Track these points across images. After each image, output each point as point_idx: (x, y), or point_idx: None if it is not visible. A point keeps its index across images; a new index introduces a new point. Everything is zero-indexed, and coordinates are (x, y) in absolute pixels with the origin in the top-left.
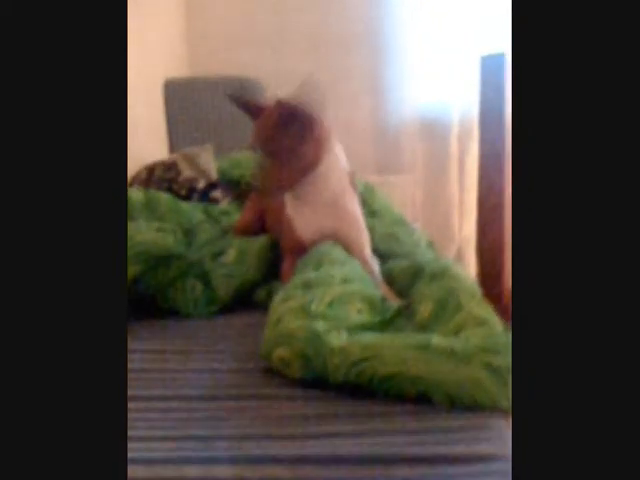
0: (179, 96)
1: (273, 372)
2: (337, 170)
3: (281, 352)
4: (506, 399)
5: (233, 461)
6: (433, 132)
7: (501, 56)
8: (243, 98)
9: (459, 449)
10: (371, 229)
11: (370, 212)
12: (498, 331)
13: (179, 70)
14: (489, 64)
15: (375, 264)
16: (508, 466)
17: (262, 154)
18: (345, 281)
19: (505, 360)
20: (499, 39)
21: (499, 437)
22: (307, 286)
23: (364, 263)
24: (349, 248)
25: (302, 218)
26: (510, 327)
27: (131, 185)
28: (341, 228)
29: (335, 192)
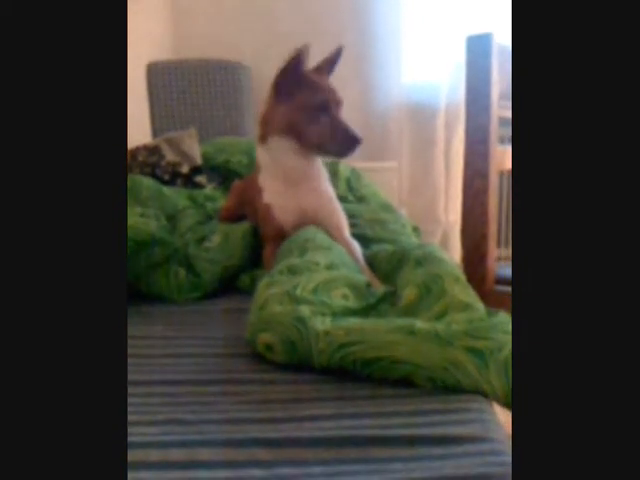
0: (162, 79)
1: (257, 357)
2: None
3: (265, 337)
4: (488, 382)
5: (217, 444)
6: (420, 116)
7: (487, 36)
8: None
9: (441, 431)
10: (357, 214)
11: (357, 198)
12: (481, 315)
13: (163, 53)
14: (475, 44)
15: (357, 247)
16: (489, 447)
17: (336, 108)
18: (330, 267)
19: (487, 344)
20: (486, 19)
21: (480, 419)
22: (292, 271)
23: (345, 245)
24: (328, 231)
25: (282, 204)
26: (493, 311)
27: None
28: (321, 211)
29: (314, 172)
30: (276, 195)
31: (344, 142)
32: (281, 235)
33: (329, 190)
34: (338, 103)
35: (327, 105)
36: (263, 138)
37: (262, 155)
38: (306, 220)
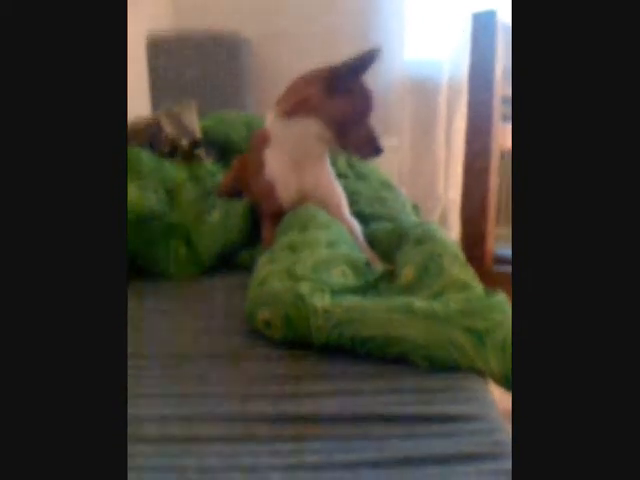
0: (163, 52)
1: (256, 333)
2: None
3: (264, 313)
4: (484, 361)
5: (216, 419)
6: (421, 92)
7: (492, 13)
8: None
9: (438, 409)
10: (357, 192)
11: (357, 175)
12: (479, 295)
13: (163, 25)
14: (480, 21)
15: (357, 226)
16: (484, 426)
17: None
18: (330, 244)
19: (484, 323)
20: None
21: (476, 398)
22: (292, 248)
23: (345, 223)
24: (328, 210)
25: (284, 181)
26: (491, 291)
27: None
28: (320, 190)
29: (316, 152)
30: (279, 172)
31: (371, 150)
32: (280, 213)
33: (329, 169)
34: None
35: (369, 114)
36: (289, 114)
37: (278, 129)
38: (306, 199)
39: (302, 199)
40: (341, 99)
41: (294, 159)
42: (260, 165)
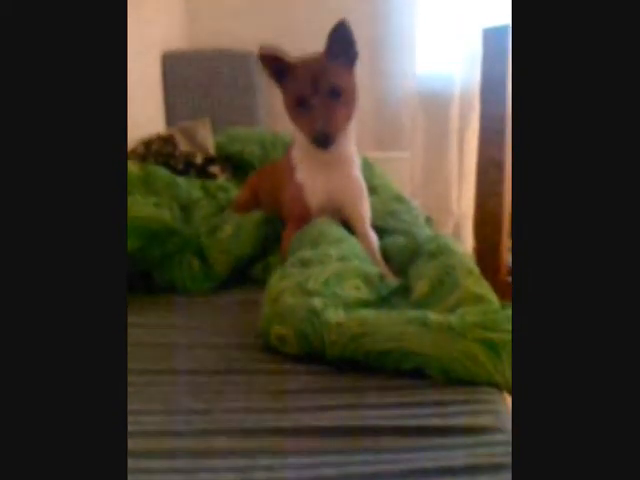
0: (177, 69)
1: (270, 348)
2: (353, 132)
3: (279, 329)
4: (501, 374)
5: (231, 433)
6: (433, 106)
7: (504, 28)
8: (276, 53)
9: (453, 421)
10: (370, 206)
11: (369, 188)
12: (495, 308)
13: (178, 43)
14: (492, 36)
15: (375, 239)
16: (500, 438)
17: (317, 99)
18: (342, 259)
19: (501, 336)
20: (502, 11)
21: (493, 411)
22: (304, 264)
23: (364, 236)
24: (353, 218)
25: (314, 184)
26: (507, 304)
27: (128, 159)
28: (350, 197)
29: (347, 157)
30: (309, 175)
31: (314, 141)
32: (306, 216)
33: (360, 179)
34: (320, 92)
35: (304, 99)
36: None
37: (297, 133)
38: (333, 204)
39: (329, 204)
40: (286, 87)
41: (318, 162)
42: (290, 168)
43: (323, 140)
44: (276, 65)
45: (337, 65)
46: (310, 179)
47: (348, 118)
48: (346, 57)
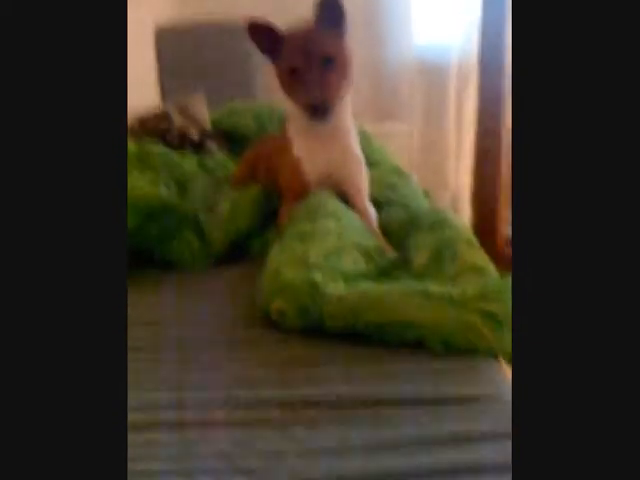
0: (171, 44)
1: (270, 320)
2: (350, 104)
3: (279, 303)
4: (501, 345)
5: (231, 405)
6: (431, 77)
7: None
8: (265, 25)
9: (453, 391)
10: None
11: (367, 161)
12: (494, 279)
13: (172, 16)
14: (490, 2)
15: (373, 212)
16: (500, 407)
17: (310, 69)
18: (341, 233)
19: (500, 306)
20: None
21: (492, 380)
22: (303, 238)
23: (363, 210)
24: (351, 192)
25: (312, 158)
26: (506, 274)
27: None
28: (348, 170)
29: (345, 129)
30: (307, 149)
31: (308, 113)
32: (304, 190)
33: (358, 152)
34: (313, 61)
35: (297, 70)
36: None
37: (290, 107)
38: (331, 178)
39: (327, 178)
40: (277, 60)
41: (314, 135)
42: (288, 142)
43: (320, 110)
44: (266, 38)
45: (328, 32)
46: (307, 153)
47: (343, 86)
48: (336, 24)
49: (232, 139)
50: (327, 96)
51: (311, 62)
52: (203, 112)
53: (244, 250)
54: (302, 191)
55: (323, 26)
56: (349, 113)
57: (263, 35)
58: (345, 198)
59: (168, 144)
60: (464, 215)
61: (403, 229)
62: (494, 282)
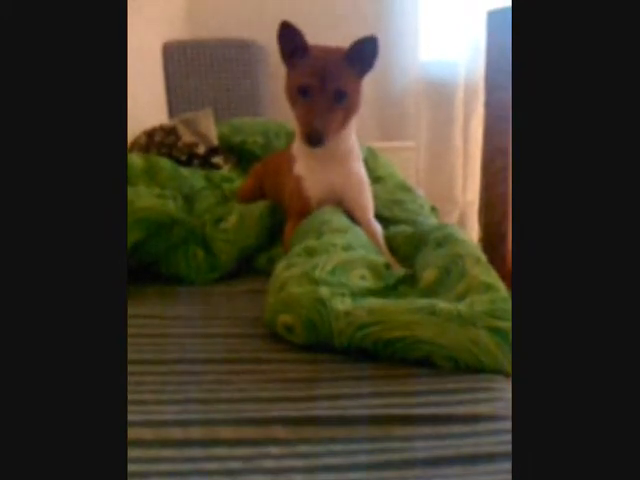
0: (178, 59)
1: (276, 337)
2: (354, 125)
3: (285, 318)
4: (509, 362)
5: (237, 422)
6: (438, 94)
7: (508, 10)
8: (297, 29)
9: (462, 409)
10: (375, 195)
11: (374, 178)
12: (503, 296)
13: (179, 32)
14: (496, 19)
15: (379, 230)
16: (508, 425)
17: (320, 95)
18: (347, 248)
19: (509, 324)
20: None
21: (501, 398)
22: (309, 253)
23: (368, 226)
24: (354, 210)
25: (312, 177)
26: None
27: (131, 150)
28: (349, 190)
29: (347, 150)
30: (308, 168)
31: (304, 137)
32: (306, 210)
33: (361, 171)
34: (326, 89)
35: (308, 89)
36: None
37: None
38: (333, 197)
39: (330, 197)
40: (294, 69)
41: (317, 155)
42: (291, 160)
43: (314, 138)
44: (292, 42)
45: (350, 70)
46: (307, 172)
47: (343, 124)
48: (361, 68)
49: (239, 155)
50: (326, 129)
51: (325, 90)
52: (210, 127)
53: (250, 265)
54: (304, 209)
55: (350, 62)
56: (352, 135)
57: (291, 38)
58: (351, 215)
59: (175, 158)
60: (472, 231)
61: (410, 245)
62: (502, 299)
